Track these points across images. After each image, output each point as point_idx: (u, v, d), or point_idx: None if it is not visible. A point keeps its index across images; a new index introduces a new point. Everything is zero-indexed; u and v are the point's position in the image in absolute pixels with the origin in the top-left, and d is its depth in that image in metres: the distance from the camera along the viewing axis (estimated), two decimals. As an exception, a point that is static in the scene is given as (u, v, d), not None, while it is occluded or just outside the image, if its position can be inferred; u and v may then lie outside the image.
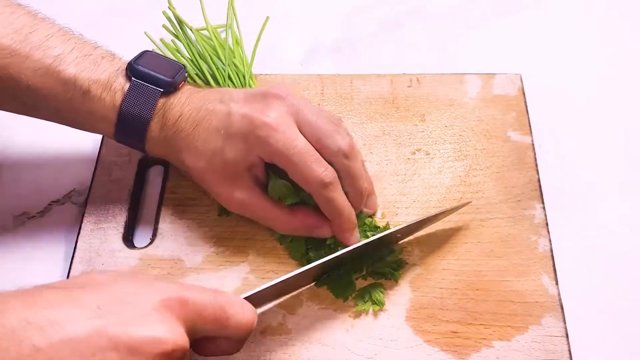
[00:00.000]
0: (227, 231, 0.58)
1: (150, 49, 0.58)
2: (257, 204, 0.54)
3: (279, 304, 0.54)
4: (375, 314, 0.53)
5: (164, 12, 0.70)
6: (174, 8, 0.70)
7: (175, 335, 0.39)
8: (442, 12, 0.76)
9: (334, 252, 0.52)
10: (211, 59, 0.66)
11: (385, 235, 0.53)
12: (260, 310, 0.50)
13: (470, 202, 0.58)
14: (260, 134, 0.51)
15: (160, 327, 0.38)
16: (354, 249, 0.52)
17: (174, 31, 0.69)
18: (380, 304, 0.53)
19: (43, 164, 0.65)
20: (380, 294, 0.54)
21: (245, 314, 0.43)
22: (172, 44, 0.69)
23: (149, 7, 0.72)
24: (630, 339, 0.53)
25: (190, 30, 0.69)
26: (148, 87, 0.54)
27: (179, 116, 0.54)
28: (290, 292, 0.53)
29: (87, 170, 0.62)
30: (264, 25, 0.71)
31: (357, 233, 0.55)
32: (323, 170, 0.51)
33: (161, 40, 0.69)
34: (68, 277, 0.55)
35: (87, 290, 0.39)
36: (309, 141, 0.52)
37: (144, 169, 0.63)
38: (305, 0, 0.78)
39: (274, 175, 0.54)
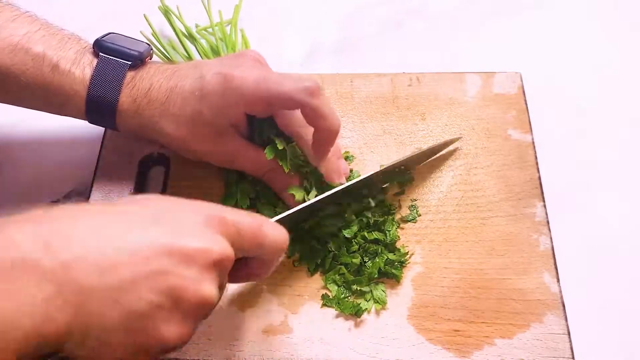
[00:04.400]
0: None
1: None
2: (246, 155, 0.56)
3: (281, 303, 0.54)
4: (377, 312, 0.53)
5: (159, 8, 0.70)
6: (166, 5, 0.71)
7: (222, 247, 0.40)
8: (443, 11, 0.76)
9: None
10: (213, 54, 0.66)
11: (373, 175, 0.56)
12: None
13: (461, 137, 0.62)
14: (235, 85, 0.52)
15: (208, 239, 0.40)
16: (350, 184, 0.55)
17: (173, 28, 0.70)
18: (382, 302, 0.53)
19: (43, 164, 0.64)
20: (382, 292, 0.54)
21: (280, 234, 0.45)
22: (167, 43, 0.69)
23: (146, 11, 0.71)
24: (631, 336, 0.54)
25: (185, 26, 0.69)
26: (116, 61, 0.55)
27: (150, 87, 0.55)
28: (304, 220, 0.55)
29: (87, 170, 0.62)
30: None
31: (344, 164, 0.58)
32: (305, 81, 0.51)
33: (153, 34, 0.69)
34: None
35: (129, 208, 0.41)
36: None
37: (145, 169, 0.63)
38: (306, 0, 0.78)
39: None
